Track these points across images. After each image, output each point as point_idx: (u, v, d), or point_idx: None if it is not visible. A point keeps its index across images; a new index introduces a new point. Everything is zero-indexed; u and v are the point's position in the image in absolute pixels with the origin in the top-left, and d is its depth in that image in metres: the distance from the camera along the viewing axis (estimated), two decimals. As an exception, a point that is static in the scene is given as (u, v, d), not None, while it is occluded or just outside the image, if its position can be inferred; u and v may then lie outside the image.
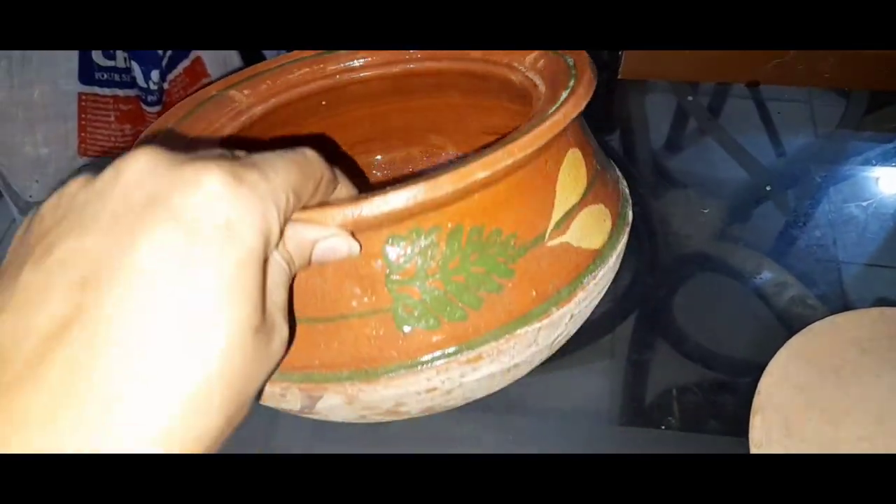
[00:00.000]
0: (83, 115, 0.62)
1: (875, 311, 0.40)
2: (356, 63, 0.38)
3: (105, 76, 0.61)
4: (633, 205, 0.32)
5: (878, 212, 0.51)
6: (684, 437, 0.39)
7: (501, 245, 0.25)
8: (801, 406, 0.36)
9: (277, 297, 0.20)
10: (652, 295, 0.47)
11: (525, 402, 0.42)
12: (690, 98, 0.62)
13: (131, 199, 0.17)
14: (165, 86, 0.61)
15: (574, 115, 0.26)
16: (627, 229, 0.30)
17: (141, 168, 0.18)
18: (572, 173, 0.27)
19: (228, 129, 0.34)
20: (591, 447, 0.39)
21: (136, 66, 0.59)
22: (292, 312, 0.23)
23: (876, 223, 0.50)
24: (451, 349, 0.25)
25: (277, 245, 0.20)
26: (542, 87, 0.30)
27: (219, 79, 0.37)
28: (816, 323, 0.40)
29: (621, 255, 0.30)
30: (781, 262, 0.48)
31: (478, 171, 0.22)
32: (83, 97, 0.62)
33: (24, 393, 0.15)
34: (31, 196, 0.63)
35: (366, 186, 0.28)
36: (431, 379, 0.25)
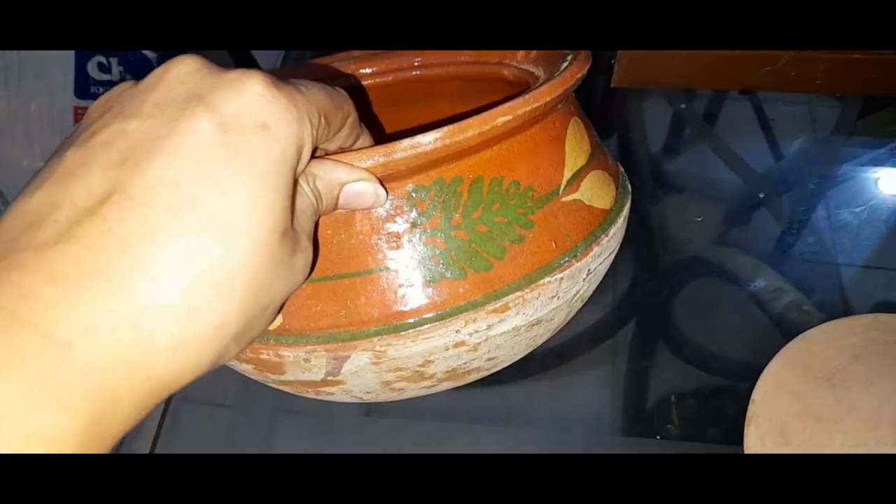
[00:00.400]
0: (80, 129, 0.63)
1: (868, 317, 0.40)
2: (351, 71, 0.38)
3: (101, 90, 0.62)
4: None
5: (872, 216, 0.51)
6: (682, 445, 0.39)
7: (520, 196, 0.26)
8: (795, 414, 0.36)
9: (304, 222, 0.20)
10: (651, 300, 0.47)
11: (525, 410, 0.42)
12: (683, 105, 0.62)
13: (174, 93, 0.18)
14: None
15: (579, 74, 0.27)
16: (630, 197, 0.32)
17: (186, 68, 0.19)
18: (577, 138, 0.29)
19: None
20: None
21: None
22: (316, 243, 0.23)
23: (870, 227, 0.50)
24: (478, 299, 0.25)
25: (305, 169, 0.20)
26: (538, 72, 0.32)
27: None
28: (810, 330, 0.40)
29: (627, 219, 0.31)
30: (778, 267, 0.48)
31: (499, 115, 0.23)
32: (79, 111, 0.62)
33: (58, 252, 0.16)
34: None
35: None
36: (460, 330, 0.25)
